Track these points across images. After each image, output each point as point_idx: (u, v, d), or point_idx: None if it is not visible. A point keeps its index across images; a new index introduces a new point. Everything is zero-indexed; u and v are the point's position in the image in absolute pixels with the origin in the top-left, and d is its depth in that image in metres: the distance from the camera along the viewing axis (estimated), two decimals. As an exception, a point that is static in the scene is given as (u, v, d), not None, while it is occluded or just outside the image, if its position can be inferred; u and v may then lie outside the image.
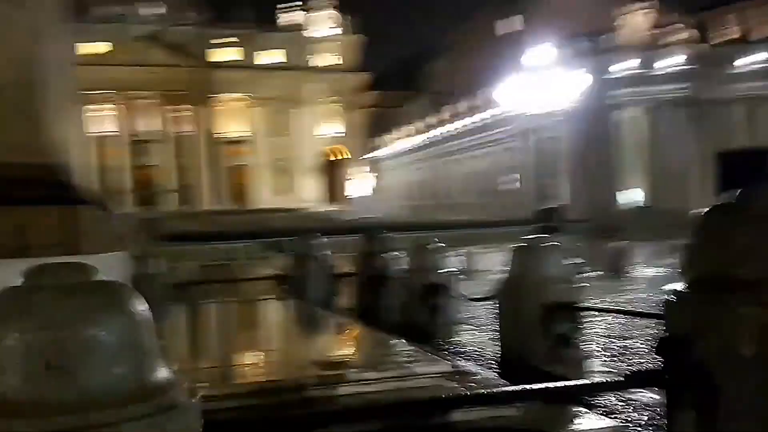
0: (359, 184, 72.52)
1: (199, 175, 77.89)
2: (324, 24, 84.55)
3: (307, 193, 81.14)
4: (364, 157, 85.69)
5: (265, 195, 79.99)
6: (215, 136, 79.15)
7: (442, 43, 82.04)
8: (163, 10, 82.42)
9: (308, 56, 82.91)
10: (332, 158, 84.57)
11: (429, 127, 76.16)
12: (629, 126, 48.43)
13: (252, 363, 5.26)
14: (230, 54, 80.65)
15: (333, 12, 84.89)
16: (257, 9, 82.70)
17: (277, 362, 5.32)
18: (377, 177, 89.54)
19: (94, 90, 73.67)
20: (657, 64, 46.15)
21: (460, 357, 7.66)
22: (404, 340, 5.72)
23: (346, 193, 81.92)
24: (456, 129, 67.06)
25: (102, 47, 74.98)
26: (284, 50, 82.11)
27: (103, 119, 75.50)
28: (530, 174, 55.25)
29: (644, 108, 47.36)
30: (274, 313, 9.03)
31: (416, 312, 8.74)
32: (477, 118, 61.18)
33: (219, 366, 5.03)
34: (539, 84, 19.16)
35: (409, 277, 9.17)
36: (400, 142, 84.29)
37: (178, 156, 77.30)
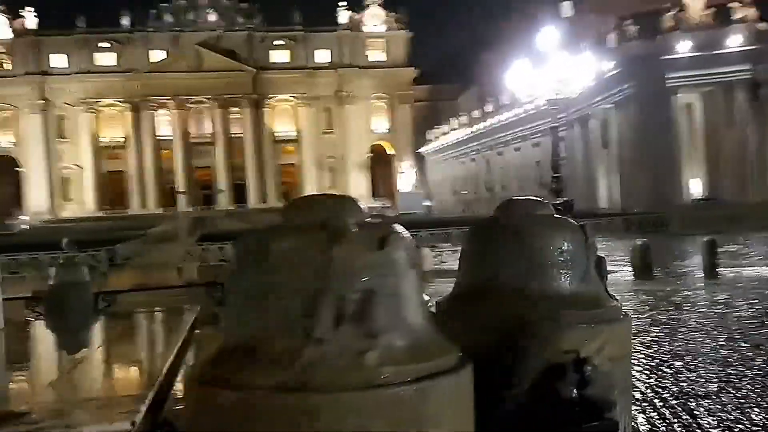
0: (406, 179, 72.46)
1: (251, 174, 79.46)
2: (371, 22, 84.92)
3: (354, 189, 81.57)
4: (415, 151, 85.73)
5: (312, 192, 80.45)
6: (265, 136, 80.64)
7: (492, 35, 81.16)
8: (216, 17, 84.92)
9: (356, 54, 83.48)
10: (379, 154, 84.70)
11: (476, 120, 75.60)
12: (688, 111, 46.42)
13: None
14: (280, 56, 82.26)
15: (380, 9, 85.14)
16: (306, 11, 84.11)
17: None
18: (425, 171, 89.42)
19: (152, 96, 76.48)
20: (718, 45, 43.10)
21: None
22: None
23: (392, 188, 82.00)
24: (499, 121, 66.35)
25: (159, 55, 77.76)
26: (332, 50, 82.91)
27: (159, 123, 78.30)
28: (578, 164, 54.14)
29: (703, 92, 45.25)
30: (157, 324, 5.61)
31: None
32: (521, 109, 60.28)
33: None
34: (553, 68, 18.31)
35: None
36: (447, 136, 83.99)
37: (230, 157, 79.25)
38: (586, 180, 53.71)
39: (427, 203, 76.31)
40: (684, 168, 45.36)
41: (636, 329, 9.03)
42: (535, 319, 2.85)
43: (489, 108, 72.15)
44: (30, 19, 75.94)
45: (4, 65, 75.38)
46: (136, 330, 4.79)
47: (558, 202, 17.98)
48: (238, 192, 79.40)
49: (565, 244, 3.00)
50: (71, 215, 72.77)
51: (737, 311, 10.20)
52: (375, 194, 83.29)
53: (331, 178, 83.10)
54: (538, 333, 2.86)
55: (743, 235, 25.54)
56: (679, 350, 7.71)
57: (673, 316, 10.39)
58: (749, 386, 5.88)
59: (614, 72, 45.87)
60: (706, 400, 5.57)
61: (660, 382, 6.22)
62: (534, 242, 2.97)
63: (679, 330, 8.96)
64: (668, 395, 5.78)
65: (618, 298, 3.23)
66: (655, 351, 7.68)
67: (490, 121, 71.64)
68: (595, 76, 47.75)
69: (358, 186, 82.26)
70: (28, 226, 67.16)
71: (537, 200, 3.30)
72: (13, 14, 75.90)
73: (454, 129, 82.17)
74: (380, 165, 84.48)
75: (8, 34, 75.21)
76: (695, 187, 44.59)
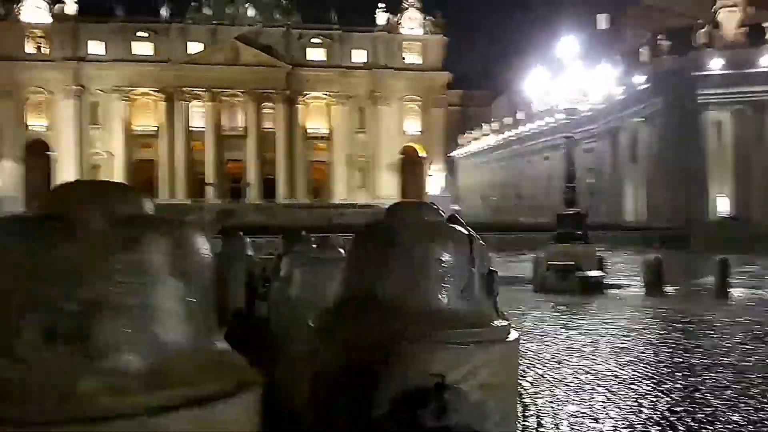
0: (434, 181, 72.15)
1: (280, 170, 79.92)
2: (408, 25, 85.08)
3: (384, 190, 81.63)
4: (446, 155, 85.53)
5: (341, 190, 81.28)
6: (297, 132, 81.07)
7: (526, 44, 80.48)
8: (254, 12, 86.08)
9: (392, 56, 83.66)
10: (411, 156, 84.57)
11: (507, 127, 75.03)
12: (717, 128, 45.55)
13: None
14: (316, 54, 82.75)
15: (418, 13, 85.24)
16: (343, 11, 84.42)
17: None
18: (455, 175, 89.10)
19: (187, 87, 77.42)
20: (750, 64, 42.99)
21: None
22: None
23: (422, 191, 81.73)
24: (530, 129, 65.73)
25: (196, 47, 78.75)
26: (368, 50, 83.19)
27: (192, 114, 79.22)
28: (606, 176, 53.42)
29: (733, 110, 44.36)
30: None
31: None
32: (552, 118, 59.54)
33: None
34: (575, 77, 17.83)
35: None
36: (478, 141, 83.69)
37: (261, 151, 79.79)
38: (614, 193, 53.05)
39: (456, 207, 75.83)
40: (711, 185, 44.39)
41: (619, 347, 8.69)
42: (398, 337, 2.60)
43: (520, 116, 71.60)
44: (70, 5, 77.10)
45: (42, 49, 76.76)
46: None
47: (570, 212, 17.53)
48: (267, 187, 79.84)
49: (445, 255, 2.73)
50: (100, 201, 73.69)
51: (738, 333, 9.71)
52: (405, 195, 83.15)
53: (361, 177, 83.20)
54: (397, 353, 2.59)
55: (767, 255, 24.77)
56: (653, 369, 7.30)
57: (663, 334, 10.01)
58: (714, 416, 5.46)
59: (645, 86, 45.15)
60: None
61: (626, 402, 5.83)
62: (410, 252, 2.72)
63: (664, 350, 8.53)
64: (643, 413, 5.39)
65: (508, 318, 2.91)
66: (633, 369, 7.28)
67: (520, 128, 71.20)
68: (625, 89, 47.37)
69: (387, 186, 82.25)
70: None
71: (428, 205, 3.01)
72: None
73: (486, 135, 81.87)
74: (411, 167, 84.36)
75: (47, 19, 76.53)
76: (722, 205, 43.63)
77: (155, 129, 79.27)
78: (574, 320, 11.37)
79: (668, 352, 8.48)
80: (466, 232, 2.83)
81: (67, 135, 76.70)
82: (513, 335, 2.79)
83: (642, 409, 5.77)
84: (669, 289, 16.17)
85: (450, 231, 2.79)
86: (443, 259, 2.76)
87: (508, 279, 19.71)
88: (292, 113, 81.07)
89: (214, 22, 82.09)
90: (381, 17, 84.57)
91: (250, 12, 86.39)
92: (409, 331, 2.63)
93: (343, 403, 2.67)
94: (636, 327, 10.75)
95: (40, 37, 76.72)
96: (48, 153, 76.59)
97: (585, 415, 5.53)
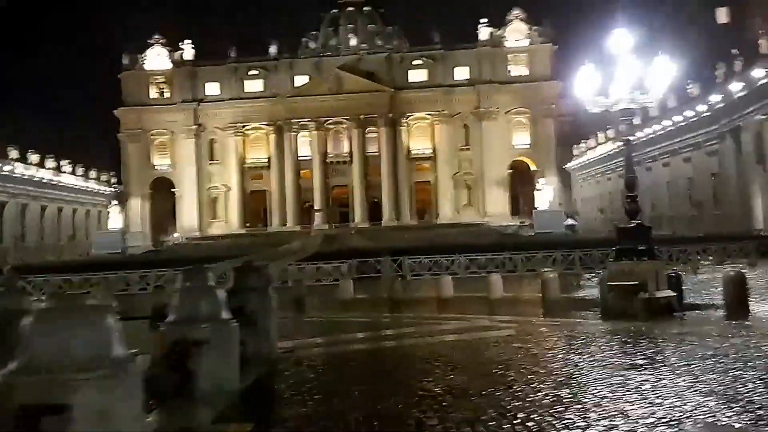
0: (543, 196, 68.99)
1: (386, 192, 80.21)
2: (513, 37, 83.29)
3: (493, 207, 79.66)
4: (561, 167, 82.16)
5: (448, 210, 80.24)
6: (401, 154, 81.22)
7: (644, 45, 75.70)
8: (356, 41, 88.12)
9: (496, 70, 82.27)
10: (521, 170, 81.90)
11: (623, 133, 70.54)
12: None
13: None
14: (418, 75, 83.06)
15: (523, 24, 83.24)
16: (445, 29, 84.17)
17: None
18: (571, 188, 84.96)
19: (295, 118, 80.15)
20: None
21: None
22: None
23: (532, 206, 78.60)
24: (647, 134, 61.14)
25: (302, 80, 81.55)
26: (471, 66, 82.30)
27: (300, 144, 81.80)
28: (731, 180, 48.40)
29: None
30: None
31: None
32: (670, 121, 55.30)
33: None
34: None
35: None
36: (594, 150, 79.25)
37: (366, 175, 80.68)
38: (740, 198, 47.93)
39: (570, 222, 72.09)
40: None
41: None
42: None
43: (637, 120, 67.13)
44: (188, 50, 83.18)
45: (164, 94, 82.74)
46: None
47: (631, 225, 15.53)
48: (373, 210, 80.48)
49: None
50: (218, 233, 77.66)
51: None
52: (516, 212, 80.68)
53: (468, 195, 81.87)
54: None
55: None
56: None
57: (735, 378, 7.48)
58: None
59: (766, 80, 40.50)
60: None
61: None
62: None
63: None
64: None
65: None
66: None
67: (637, 134, 66.64)
68: (745, 84, 42.85)
69: (496, 203, 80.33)
70: (178, 242, 72.69)
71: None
72: (174, 47, 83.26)
73: (601, 143, 77.45)
74: (523, 182, 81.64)
75: (168, 65, 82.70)
76: None
77: (266, 160, 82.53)
78: (630, 354, 9.62)
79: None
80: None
81: (189, 171, 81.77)
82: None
83: None
84: (758, 310, 13.72)
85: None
86: None
87: (578, 303, 17.87)
88: (396, 135, 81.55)
89: (319, 54, 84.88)
90: (484, 32, 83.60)
91: (353, 41, 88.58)
92: None
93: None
94: (707, 368, 8.31)
95: (162, 82, 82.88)
96: (173, 190, 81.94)
97: None
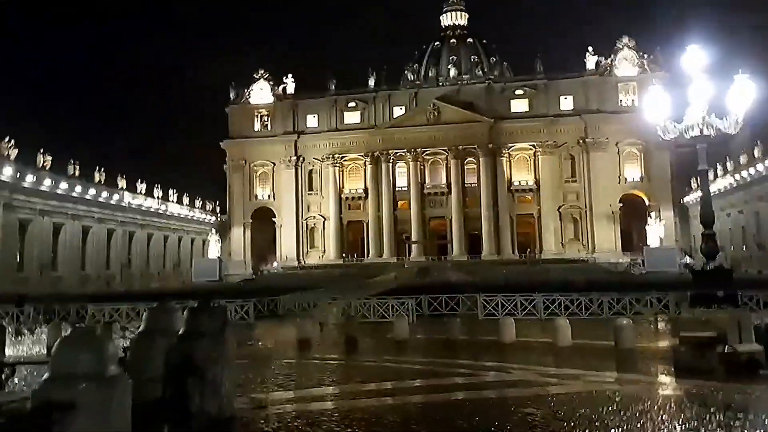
0: (654, 231, 63.95)
1: (485, 224, 77.56)
2: (622, 65, 79.54)
3: (601, 243, 75.14)
4: (679, 201, 76.69)
5: (551, 244, 76.43)
6: (501, 186, 78.52)
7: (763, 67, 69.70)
8: (455, 72, 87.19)
9: (604, 99, 78.52)
10: (634, 204, 76.96)
11: (742, 167, 64.71)
12: None
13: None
14: (520, 105, 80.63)
15: (632, 52, 79.39)
16: (548, 59, 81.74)
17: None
18: (687, 223, 78.84)
19: (392, 149, 79.64)
20: None
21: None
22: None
23: (645, 242, 73.31)
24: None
25: (400, 111, 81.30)
26: (575, 96, 78.98)
27: (396, 175, 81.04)
28: None
29: None
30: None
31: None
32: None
33: None
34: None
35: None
36: (713, 184, 73.07)
37: (464, 206, 78.58)
38: None
39: (686, 260, 66.36)
40: None
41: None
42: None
43: (757, 152, 61.66)
44: (289, 85, 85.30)
45: (267, 126, 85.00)
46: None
47: (708, 268, 12.87)
48: (472, 243, 77.94)
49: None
50: (315, 262, 77.70)
51: None
52: (629, 248, 75.53)
53: (574, 229, 77.68)
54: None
55: None
56: None
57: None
58: None
59: None
60: None
61: None
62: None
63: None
64: None
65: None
66: None
67: (759, 167, 60.91)
68: None
69: (605, 238, 75.77)
70: (275, 271, 73.11)
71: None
72: (277, 81, 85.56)
73: (722, 176, 71.40)
74: (635, 216, 76.62)
75: (270, 99, 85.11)
76: None
77: (363, 191, 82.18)
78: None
79: None
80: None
81: (288, 201, 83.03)
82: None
83: None
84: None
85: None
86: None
87: (655, 353, 14.93)
88: (496, 166, 79.05)
89: (417, 85, 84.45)
90: (590, 61, 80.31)
91: (453, 72, 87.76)
92: None
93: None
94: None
95: (265, 115, 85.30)
96: (274, 219, 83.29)
97: None
